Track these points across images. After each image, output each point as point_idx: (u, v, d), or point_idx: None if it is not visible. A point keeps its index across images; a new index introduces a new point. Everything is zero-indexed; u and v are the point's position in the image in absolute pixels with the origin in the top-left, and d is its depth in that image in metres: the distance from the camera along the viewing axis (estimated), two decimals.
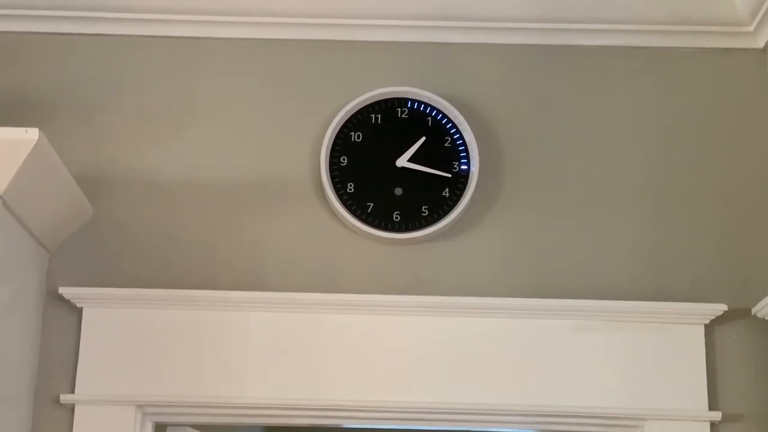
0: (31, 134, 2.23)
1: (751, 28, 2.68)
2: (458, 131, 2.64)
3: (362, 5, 2.70)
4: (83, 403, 2.49)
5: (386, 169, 2.63)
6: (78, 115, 2.67)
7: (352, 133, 2.65)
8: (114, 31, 2.71)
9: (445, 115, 2.65)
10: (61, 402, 2.50)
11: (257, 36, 2.72)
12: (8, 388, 2.39)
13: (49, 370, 2.53)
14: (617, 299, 2.54)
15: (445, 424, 2.54)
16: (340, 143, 2.64)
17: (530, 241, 2.61)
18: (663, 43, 2.72)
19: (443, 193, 2.61)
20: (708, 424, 2.49)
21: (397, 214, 2.60)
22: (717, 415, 2.48)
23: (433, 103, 2.66)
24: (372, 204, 2.60)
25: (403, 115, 2.67)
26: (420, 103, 2.67)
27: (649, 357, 2.51)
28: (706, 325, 2.53)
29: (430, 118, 2.66)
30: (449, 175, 2.62)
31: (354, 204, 2.60)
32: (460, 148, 2.63)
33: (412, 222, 2.59)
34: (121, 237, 2.60)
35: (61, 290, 2.53)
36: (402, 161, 2.63)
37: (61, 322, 2.55)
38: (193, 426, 2.68)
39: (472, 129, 2.63)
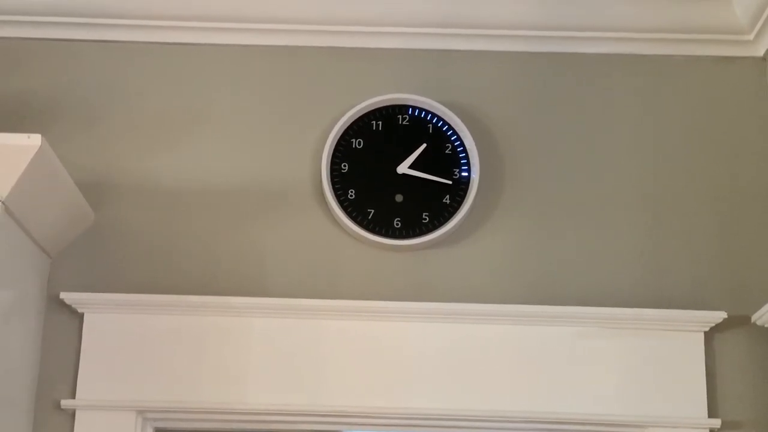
0: (34, 140, 2.23)
1: (751, 37, 2.69)
2: (459, 138, 2.65)
3: (363, 12, 2.71)
4: (84, 409, 2.50)
5: (387, 176, 2.63)
6: (80, 121, 2.68)
7: (353, 140, 2.66)
8: (117, 38, 2.72)
9: (445, 122, 2.66)
10: (62, 407, 2.50)
11: (258, 43, 2.73)
12: (9, 393, 2.39)
13: (50, 375, 2.53)
14: (617, 306, 2.55)
15: (446, 430, 2.53)
16: (341, 150, 2.64)
17: (530, 248, 2.62)
18: (663, 51, 2.72)
19: (444, 200, 2.62)
20: None
21: (397, 220, 2.60)
22: (716, 423, 2.49)
23: (433, 110, 2.67)
24: (373, 211, 2.61)
25: (403, 122, 2.67)
26: (421, 110, 2.67)
27: (649, 364, 2.51)
28: (705, 333, 2.53)
29: (430, 125, 2.67)
30: (450, 182, 2.63)
31: (355, 210, 2.60)
32: (460, 155, 2.64)
33: (412, 229, 2.60)
34: (122, 242, 2.60)
35: (63, 295, 2.53)
36: (403, 168, 2.64)
37: (62, 328, 2.55)
38: None
39: (472, 136, 2.64)
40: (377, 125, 2.67)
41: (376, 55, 2.73)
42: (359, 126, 2.66)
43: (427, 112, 2.67)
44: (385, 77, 2.71)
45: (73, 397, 2.51)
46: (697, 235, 2.62)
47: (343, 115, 2.65)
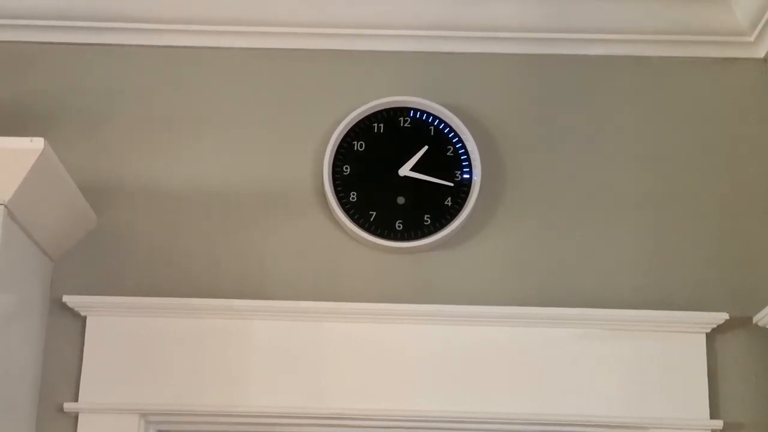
0: (36, 144, 2.24)
1: (751, 38, 2.69)
2: (460, 140, 2.65)
3: (364, 15, 2.71)
4: (87, 412, 2.50)
5: (389, 179, 2.63)
6: (83, 125, 2.68)
7: (355, 143, 2.66)
8: (118, 41, 2.72)
9: (447, 125, 2.66)
10: (65, 410, 2.50)
11: (259, 46, 2.73)
12: (12, 396, 2.39)
13: (53, 378, 2.53)
14: (618, 308, 2.55)
15: None
16: (343, 152, 2.65)
17: (532, 249, 2.62)
18: (664, 52, 2.72)
19: (445, 202, 2.62)
20: None
21: (399, 223, 2.61)
22: (718, 424, 2.49)
23: (435, 113, 2.67)
24: (375, 213, 2.61)
25: (405, 125, 2.68)
26: (422, 112, 2.68)
27: (651, 366, 2.51)
28: (707, 334, 2.53)
29: (432, 128, 2.67)
30: (451, 184, 2.63)
31: (357, 213, 2.61)
32: (462, 157, 2.64)
33: (414, 231, 2.60)
34: (124, 246, 2.61)
35: (65, 299, 2.54)
36: (404, 170, 2.64)
37: (65, 331, 2.55)
38: None
39: (474, 138, 2.64)
40: (379, 128, 2.67)
41: (377, 57, 2.73)
42: (361, 128, 2.67)
43: (429, 114, 2.67)
44: (386, 80, 2.71)
45: (76, 400, 2.51)
46: (699, 237, 2.62)
47: (344, 117, 2.65)
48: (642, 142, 2.68)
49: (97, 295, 2.55)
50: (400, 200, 2.62)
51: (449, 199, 2.62)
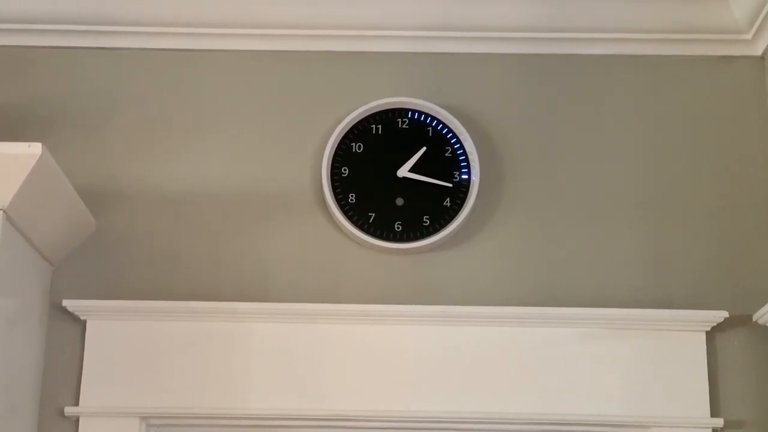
0: (34, 149, 2.24)
1: (749, 36, 2.69)
2: (459, 141, 2.65)
3: (362, 16, 2.71)
4: (87, 416, 2.50)
5: (387, 180, 2.63)
6: (81, 129, 2.68)
7: (353, 144, 2.66)
8: (116, 45, 2.72)
9: (445, 125, 2.66)
10: (66, 414, 2.50)
11: (258, 48, 2.73)
12: (13, 400, 2.39)
13: (54, 382, 2.53)
14: (618, 307, 2.55)
15: None
16: (341, 154, 2.65)
17: (531, 249, 2.62)
18: (662, 51, 2.72)
19: (444, 203, 2.62)
20: (710, 431, 2.49)
21: (398, 224, 2.61)
22: (719, 422, 2.49)
23: (433, 114, 2.67)
24: (373, 214, 2.61)
25: (403, 126, 2.68)
26: (420, 113, 2.68)
27: (651, 364, 2.51)
28: (707, 332, 2.53)
29: (430, 129, 2.67)
30: (450, 185, 2.63)
31: (355, 214, 2.61)
32: (460, 158, 2.64)
33: (413, 232, 2.60)
34: (124, 249, 2.61)
35: (65, 303, 2.54)
36: (403, 171, 2.64)
37: (65, 335, 2.55)
38: None
39: (472, 139, 2.64)
40: (377, 129, 2.67)
41: (375, 58, 2.73)
42: (359, 130, 2.67)
43: (427, 115, 2.67)
44: (384, 81, 2.71)
45: (77, 404, 2.51)
46: (698, 235, 2.62)
47: (342, 119, 2.66)
48: (640, 141, 2.68)
49: (97, 299, 2.56)
50: (399, 201, 2.63)
51: (448, 199, 2.62)
